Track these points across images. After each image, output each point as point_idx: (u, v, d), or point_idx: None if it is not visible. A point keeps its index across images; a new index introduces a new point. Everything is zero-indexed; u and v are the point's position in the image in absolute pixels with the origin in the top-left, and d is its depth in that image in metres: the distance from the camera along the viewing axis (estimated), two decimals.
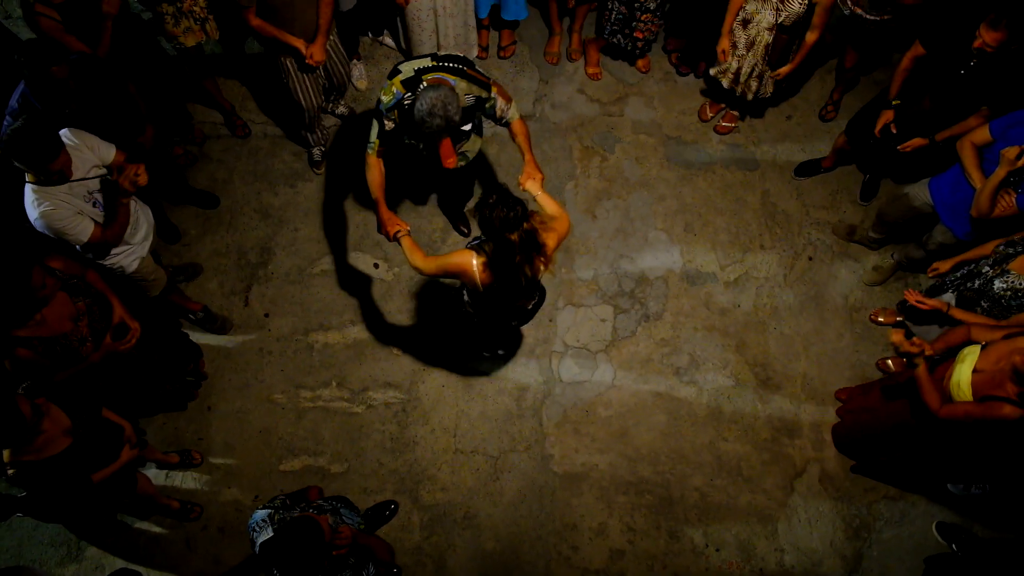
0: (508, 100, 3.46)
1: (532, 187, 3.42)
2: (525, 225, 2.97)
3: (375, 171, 3.48)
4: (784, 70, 4.30)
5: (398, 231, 3.38)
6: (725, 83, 4.53)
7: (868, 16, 4.16)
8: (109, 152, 3.36)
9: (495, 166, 4.85)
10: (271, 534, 2.78)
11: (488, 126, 4.18)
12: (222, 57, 4.34)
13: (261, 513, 2.90)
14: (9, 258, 2.86)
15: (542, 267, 3.18)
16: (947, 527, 4.10)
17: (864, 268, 4.67)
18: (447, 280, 4.38)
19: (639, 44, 4.73)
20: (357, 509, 3.36)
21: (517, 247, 3.00)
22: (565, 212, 3.34)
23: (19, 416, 2.75)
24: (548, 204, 3.35)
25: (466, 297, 3.59)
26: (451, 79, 3.28)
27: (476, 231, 4.57)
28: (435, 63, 3.30)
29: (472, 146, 3.82)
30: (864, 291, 4.63)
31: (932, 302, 3.48)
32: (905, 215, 4.21)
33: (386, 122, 3.39)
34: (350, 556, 2.87)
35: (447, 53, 3.41)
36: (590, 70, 5.12)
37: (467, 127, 3.58)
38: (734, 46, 4.29)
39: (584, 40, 5.13)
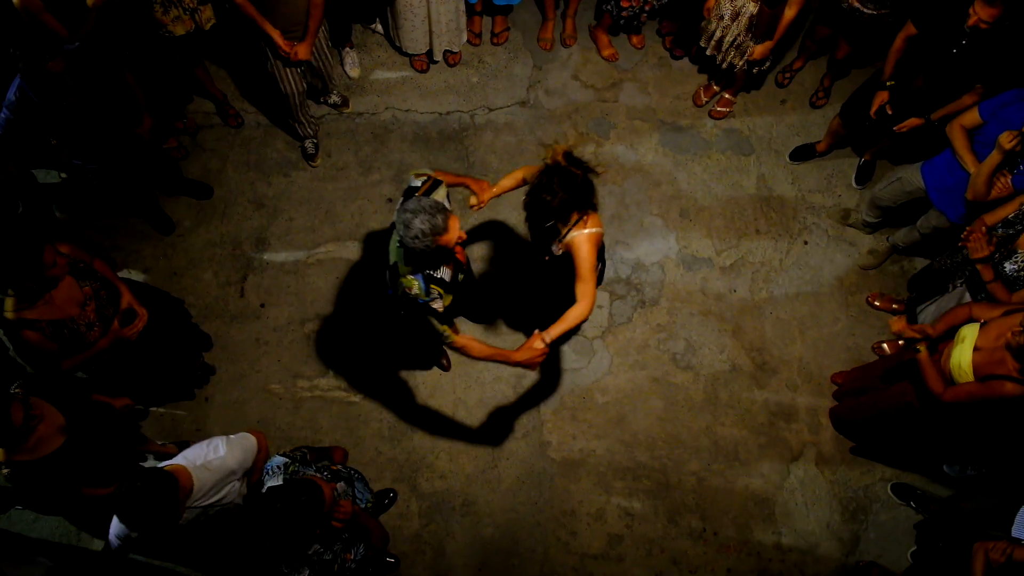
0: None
1: (489, 195, 3.41)
2: (562, 162, 2.96)
3: (472, 345, 3.18)
4: (760, 49, 4.28)
5: (540, 341, 3.15)
6: (708, 51, 4.54)
7: (865, 10, 4.14)
8: None
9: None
10: (280, 483, 2.79)
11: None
12: (212, 45, 4.29)
13: (279, 459, 2.90)
14: (24, 234, 2.85)
15: None
16: (902, 487, 4.17)
17: (859, 252, 4.68)
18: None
19: (623, 14, 4.70)
20: (371, 489, 3.35)
21: (585, 174, 2.99)
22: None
23: (7, 419, 2.73)
24: (509, 179, 3.39)
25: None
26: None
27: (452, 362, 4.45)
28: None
29: None
30: (860, 275, 4.64)
31: (915, 330, 3.37)
32: (899, 199, 4.21)
33: (435, 306, 3.08)
34: (344, 531, 2.87)
35: (400, 206, 3.00)
36: (605, 52, 5.10)
37: None
38: (720, 17, 4.29)
39: (589, 28, 5.12)
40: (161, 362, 3.78)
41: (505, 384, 4.37)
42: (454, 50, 4.97)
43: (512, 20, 5.17)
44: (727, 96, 4.94)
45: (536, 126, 4.92)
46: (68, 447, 2.98)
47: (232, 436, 3.01)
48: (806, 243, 4.71)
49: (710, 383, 4.40)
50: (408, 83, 5.03)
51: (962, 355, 3.09)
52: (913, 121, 3.96)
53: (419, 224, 2.80)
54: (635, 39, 5.14)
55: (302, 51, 3.96)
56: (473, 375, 4.38)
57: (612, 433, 4.30)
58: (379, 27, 5.10)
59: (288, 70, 4.12)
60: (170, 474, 2.70)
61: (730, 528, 4.15)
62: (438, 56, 4.95)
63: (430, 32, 4.72)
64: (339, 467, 3.16)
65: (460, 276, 3.29)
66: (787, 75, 5.06)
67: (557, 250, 3.24)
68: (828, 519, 4.18)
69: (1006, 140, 3.31)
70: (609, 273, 4.60)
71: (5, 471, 2.88)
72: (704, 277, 4.62)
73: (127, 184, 4.12)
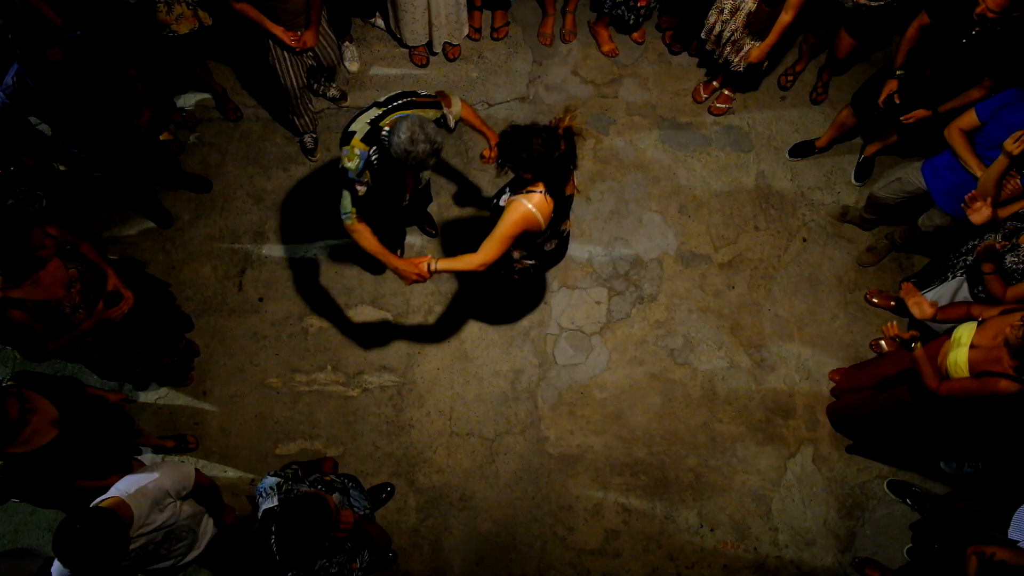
0: (449, 102, 3.38)
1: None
2: (559, 131, 2.99)
3: (365, 234, 3.35)
4: (755, 54, 4.28)
5: (427, 264, 3.29)
6: (708, 44, 4.54)
7: (872, 3, 4.13)
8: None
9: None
10: (275, 503, 2.78)
11: None
12: (213, 40, 4.28)
13: (270, 480, 2.89)
14: (14, 214, 2.86)
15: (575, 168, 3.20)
16: (898, 484, 4.18)
17: (858, 249, 4.68)
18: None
19: (642, 12, 4.70)
20: (365, 492, 3.35)
21: (568, 153, 3.02)
22: None
23: (3, 413, 2.73)
24: None
25: (518, 256, 3.49)
26: (407, 114, 3.15)
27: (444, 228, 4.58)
28: (384, 108, 3.18)
29: None
30: (858, 272, 4.64)
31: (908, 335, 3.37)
32: (898, 197, 4.20)
33: (358, 188, 3.22)
34: (347, 540, 2.87)
35: (388, 95, 3.25)
36: (605, 48, 5.09)
37: None
38: (721, 10, 4.29)
39: (589, 24, 5.11)
40: (144, 343, 3.77)
41: (503, 379, 4.38)
42: (454, 42, 4.96)
43: (512, 15, 5.17)
44: (727, 92, 4.93)
45: (536, 121, 4.89)
46: (61, 440, 2.98)
47: (166, 461, 3.02)
48: (805, 240, 4.71)
49: (708, 379, 4.40)
50: (407, 78, 5.02)
51: (959, 354, 3.11)
52: (920, 112, 3.92)
53: (421, 148, 2.97)
54: (635, 34, 5.13)
55: (309, 38, 3.98)
56: (471, 370, 4.39)
57: (610, 429, 4.30)
58: (379, 21, 5.09)
59: (289, 64, 4.12)
60: (109, 510, 2.65)
61: (727, 524, 4.16)
62: (437, 48, 4.94)
63: (430, 24, 4.71)
64: (332, 478, 3.15)
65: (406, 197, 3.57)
66: (789, 77, 5.04)
67: (502, 202, 3.26)
68: (825, 516, 4.18)
69: (1012, 145, 3.31)
70: (608, 269, 4.61)
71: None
72: (703, 273, 4.62)
73: (124, 176, 4.11)
